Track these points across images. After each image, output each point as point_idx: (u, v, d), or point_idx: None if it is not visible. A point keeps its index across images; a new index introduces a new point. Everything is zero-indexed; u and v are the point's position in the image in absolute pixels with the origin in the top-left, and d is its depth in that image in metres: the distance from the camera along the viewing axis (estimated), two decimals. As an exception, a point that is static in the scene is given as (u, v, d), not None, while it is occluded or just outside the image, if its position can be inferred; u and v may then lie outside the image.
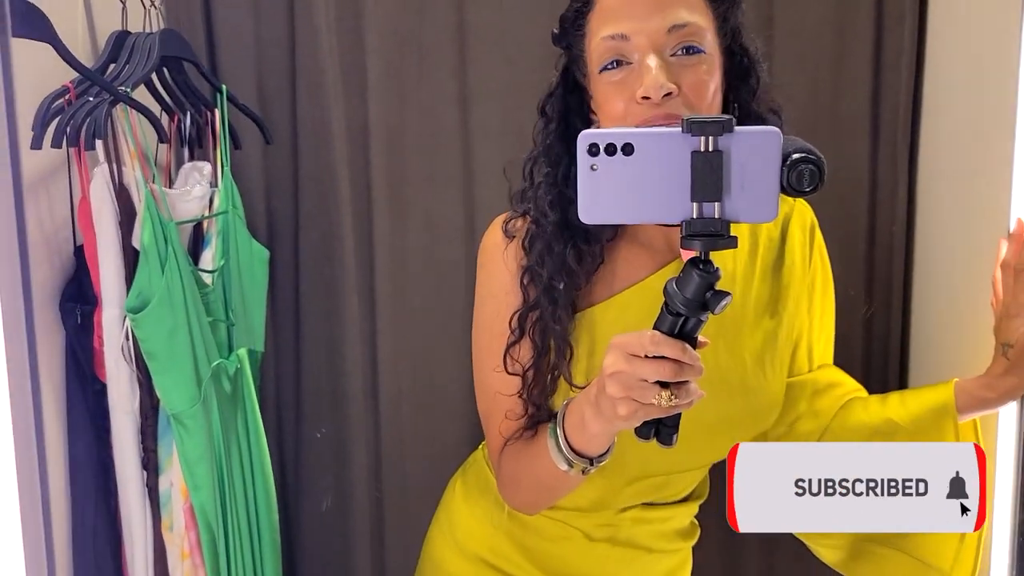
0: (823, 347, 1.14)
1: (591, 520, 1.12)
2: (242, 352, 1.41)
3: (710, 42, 0.92)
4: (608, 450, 0.91)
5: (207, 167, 1.40)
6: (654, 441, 0.82)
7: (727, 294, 0.74)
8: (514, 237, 1.03)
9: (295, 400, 1.63)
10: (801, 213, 1.09)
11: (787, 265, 1.07)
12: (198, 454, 1.27)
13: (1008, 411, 1.14)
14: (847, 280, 1.48)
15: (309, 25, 1.52)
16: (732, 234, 0.71)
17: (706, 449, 1.06)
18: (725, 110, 0.95)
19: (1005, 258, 1.03)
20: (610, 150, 0.71)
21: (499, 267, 1.03)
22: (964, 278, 1.27)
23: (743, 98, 0.97)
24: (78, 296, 1.28)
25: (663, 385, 0.77)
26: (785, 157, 0.71)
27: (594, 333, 1.01)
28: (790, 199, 1.06)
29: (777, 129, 0.71)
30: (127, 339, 1.23)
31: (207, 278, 1.36)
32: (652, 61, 0.88)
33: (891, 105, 1.44)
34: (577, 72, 0.99)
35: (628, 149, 0.71)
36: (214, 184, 1.41)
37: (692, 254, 0.73)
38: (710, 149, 0.69)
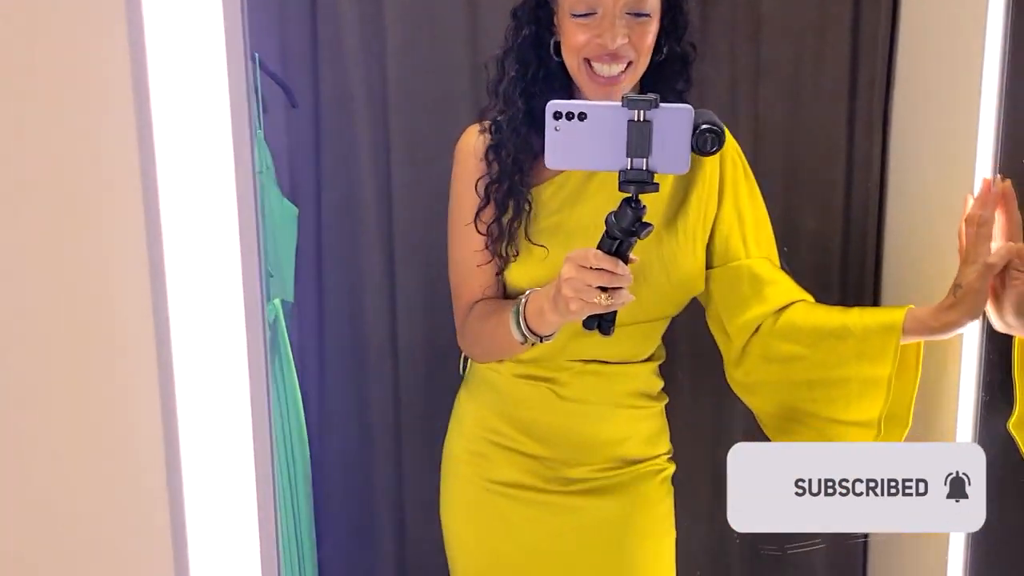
0: (760, 241, 1.32)
1: (555, 375, 1.34)
2: (277, 302, 1.53)
3: (654, 5, 1.18)
4: (555, 332, 1.19)
5: (242, 130, 1.50)
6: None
7: (650, 225, 1.01)
8: (484, 132, 1.28)
9: (318, 346, 1.76)
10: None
11: (702, 163, 1.28)
12: (247, 393, 1.40)
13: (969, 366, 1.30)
14: (826, 233, 1.64)
15: (330, -5, 1.62)
16: (655, 181, 0.96)
17: (632, 311, 1.20)
18: (657, 47, 1.22)
19: (970, 213, 1.19)
20: (569, 117, 0.96)
21: (471, 158, 1.29)
22: (931, 231, 1.43)
23: (672, 39, 1.24)
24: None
25: (603, 290, 1.03)
26: (696, 127, 0.95)
27: (537, 204, 1.28)
28: None
29: (690, 107, 0.95)
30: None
31: (246, 233, 1.47)
32: (616, 20, 1.15)
33: (867, 73, 1.58)
34: None
35: (582, 117, 0.96)
36: (248, 146, 1.51)
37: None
38: (641, 120, 0.94)
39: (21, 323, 0.68)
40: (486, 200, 1.27)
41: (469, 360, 1.43)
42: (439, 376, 1.77)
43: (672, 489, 1.42)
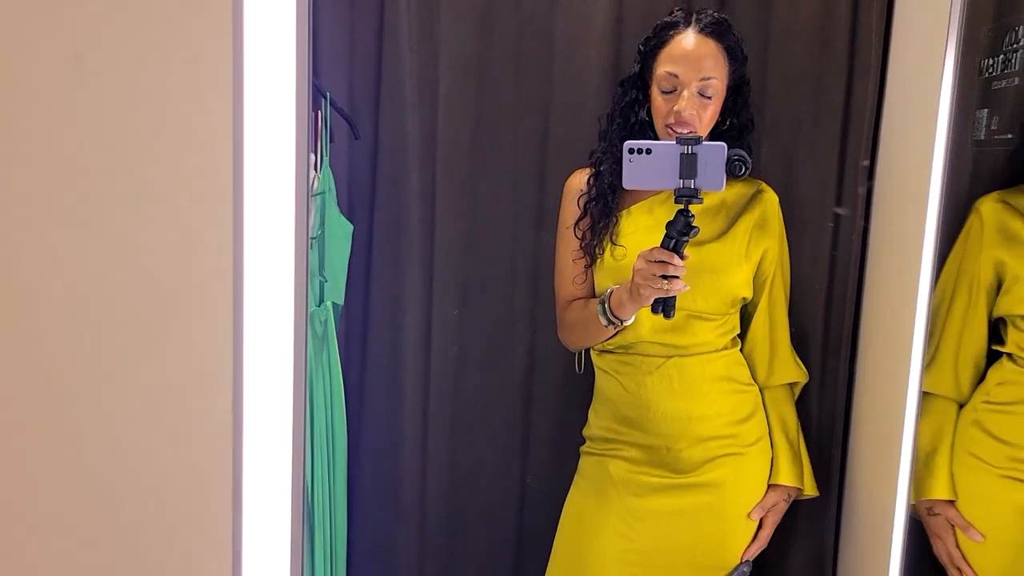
0: (784, 286, 1.75)
1: (646, 367, 1.67)
2: (329, 304, 1.79)
3: (718, 89, 1.59)
4: (632, 317, 1.58)
5: (312, 156, 1.78)
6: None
7: (697, 228, 1.40)
8: (588, 168, 1.72)
9: (361, 346, 2.01)
10: (770, 191, 1.72)
11: (753, 205, 1.69)
12: (298, 377, 1.65)
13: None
14: (814, 274, 1.84)
15: (394, 45, 1.89)
16: (700, 196, 1.36)
17: (691, 302, 1.62)
18: (723, 119, 1.64)
19: None
20: (639, 151, 1.37)
21: (576, 189, 1.73)
22: (901, 273, 1.62)
23: (733, 115, 1.67)
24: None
25: (664, 278, 1.41)
26: (729, 158, 1.35)
27: (622, 221, 1.68)
28: (765, 187, 1.73)
29: (724, 144, 1.36)
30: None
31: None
32: (687, 95, 1.56)
33: (855, 141, 1.79)
34: (646, 73, 1.64)
35: (648, 151, 1.37)
36: (317, 169, 1.79)
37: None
38: (689, 152, 1.35)
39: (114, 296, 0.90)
40: (584, 213, 1.69)
41: (599, 377, 1.77)
42: (466, 378, 2.01)
43: (768, 459, 1.73)
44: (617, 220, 1.67)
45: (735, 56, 1.61)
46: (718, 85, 1.58)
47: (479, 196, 1.95)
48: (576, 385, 1.90)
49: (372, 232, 1.98)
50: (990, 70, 1.49)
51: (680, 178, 1.35)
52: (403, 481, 2.02)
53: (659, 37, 1.62)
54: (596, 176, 1.69)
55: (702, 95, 1.57)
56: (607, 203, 1.66)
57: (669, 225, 1.41)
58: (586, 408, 1.84)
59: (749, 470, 1.70)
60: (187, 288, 0.89)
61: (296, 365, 0.99)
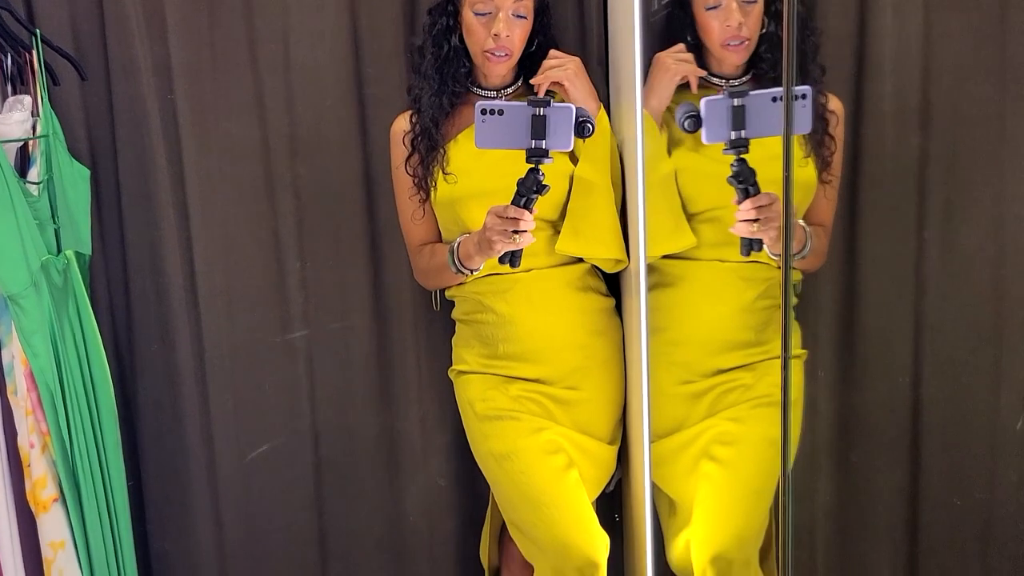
0: None
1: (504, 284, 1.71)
2: (70, 253, 1.71)
3: (530, 9, 1.65)
4: (481, 266, 1.64)
5: (27, 99, 1.67)
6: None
7: (547, 186, 1.44)
8: (408, 111, 1.73)
9: (124, 296, 1.94)
10: None
11: None
12: (33, 328, 1.57)
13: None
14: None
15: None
16: (550, 155, 1.41)
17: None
18: (531, 40, 1.68)
19: None
20: (491, 112, 1.39)
21: (400, 131, 1.74)
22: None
23: (540, 35, 1.71)
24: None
25: (515, 232, 1.46)
26: (576, 118, 1.41)
27: (451, 152, 1.71)
28: None
29: (572, 105, 1.43)
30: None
31: (33, 189, 1.64)
32: (503, 16, 1.61)
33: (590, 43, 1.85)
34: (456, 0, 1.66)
35: (501, 112, 1.40)
36: (36, 114, 1.69)
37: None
38: (540, 114, 1.39)
39: None
40: (412, 150, 1.71)
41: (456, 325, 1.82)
42: (239, 319, 1.97)
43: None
44: (445, 151, 1.70)
45: None
46: (530, 5, 1.64)
47: (224, 127, 1.89)
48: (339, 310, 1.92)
49: (118, 176, 1.89)
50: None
51: (531, 138, 1.38)
52: (188, 435, 1.97)
53: None
54: (417, 112, 1.71)
55: (516, 15, 1.62)
56: (431, 136, 1.69)
57: (520, 183, 1.43)
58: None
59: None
60: None
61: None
